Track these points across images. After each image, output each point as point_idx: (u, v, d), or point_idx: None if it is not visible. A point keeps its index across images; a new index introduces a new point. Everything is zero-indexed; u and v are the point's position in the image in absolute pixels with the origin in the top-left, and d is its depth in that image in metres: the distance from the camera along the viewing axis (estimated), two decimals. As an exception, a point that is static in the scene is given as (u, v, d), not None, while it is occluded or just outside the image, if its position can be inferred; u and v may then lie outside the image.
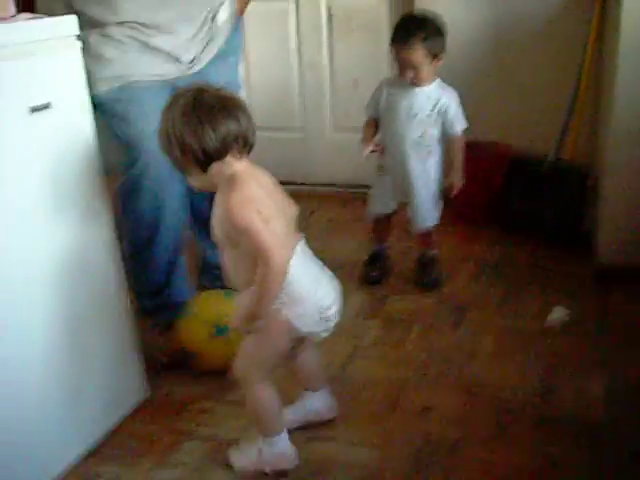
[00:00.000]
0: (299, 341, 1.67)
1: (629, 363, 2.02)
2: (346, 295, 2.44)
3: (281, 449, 1.66)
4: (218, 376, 2.01)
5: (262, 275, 1.46)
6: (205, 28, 2.06)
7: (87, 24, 1.85)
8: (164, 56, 1.99)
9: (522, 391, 1.93)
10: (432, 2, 2.92)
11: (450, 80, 2.46)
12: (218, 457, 1.75)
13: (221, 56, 2.13)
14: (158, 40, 1.97)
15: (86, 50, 1.77)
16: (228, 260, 1.58)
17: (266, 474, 1.67)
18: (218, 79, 1.80)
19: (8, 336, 1.55)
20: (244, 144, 1.47)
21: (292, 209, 1.59)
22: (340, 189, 3.62)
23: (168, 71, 2.01)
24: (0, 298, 1.53)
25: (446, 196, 2.50)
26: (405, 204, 2.54)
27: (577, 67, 2.84)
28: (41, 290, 1.63)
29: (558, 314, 2.24)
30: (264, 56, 3.56)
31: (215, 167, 1.46)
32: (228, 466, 1.71)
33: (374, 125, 2.51)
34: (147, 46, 1.96)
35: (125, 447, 1.83)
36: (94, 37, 1.92)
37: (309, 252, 1.62)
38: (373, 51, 3.28)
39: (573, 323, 2.22)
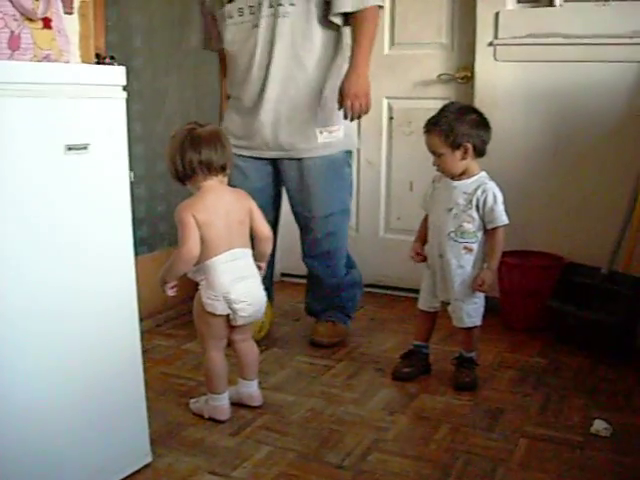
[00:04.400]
0: (229, 326, 2.12)
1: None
2: (375, 389, 2.38)
3: (218, 405, 2.14)
4: (224, 450, 1.97)
5: (175, 253, 2.03)
6: None
7: None
8: None
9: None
10: (493, 109, 2.93)
11: (505, 187, 2.38)
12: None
13: None
14: None
15: None
16: None
17: (203, 417, 2.16)
18: None
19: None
20: (208, 168, 2.03)
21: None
22: (387, 290, 3.57)
23: None
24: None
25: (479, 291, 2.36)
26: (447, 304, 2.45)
27: (634, 180, 2.78)
28: (54, 335, 1.60)
29: (597, 427, 2.07)
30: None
31: (189, 183, 2.08)
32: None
33: (427, 222, 2.48)
34: None
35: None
36: None
37: (246, 262, 2.12)
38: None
39: (613, 439, 2.04)
